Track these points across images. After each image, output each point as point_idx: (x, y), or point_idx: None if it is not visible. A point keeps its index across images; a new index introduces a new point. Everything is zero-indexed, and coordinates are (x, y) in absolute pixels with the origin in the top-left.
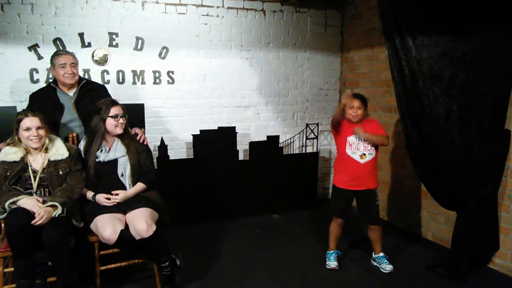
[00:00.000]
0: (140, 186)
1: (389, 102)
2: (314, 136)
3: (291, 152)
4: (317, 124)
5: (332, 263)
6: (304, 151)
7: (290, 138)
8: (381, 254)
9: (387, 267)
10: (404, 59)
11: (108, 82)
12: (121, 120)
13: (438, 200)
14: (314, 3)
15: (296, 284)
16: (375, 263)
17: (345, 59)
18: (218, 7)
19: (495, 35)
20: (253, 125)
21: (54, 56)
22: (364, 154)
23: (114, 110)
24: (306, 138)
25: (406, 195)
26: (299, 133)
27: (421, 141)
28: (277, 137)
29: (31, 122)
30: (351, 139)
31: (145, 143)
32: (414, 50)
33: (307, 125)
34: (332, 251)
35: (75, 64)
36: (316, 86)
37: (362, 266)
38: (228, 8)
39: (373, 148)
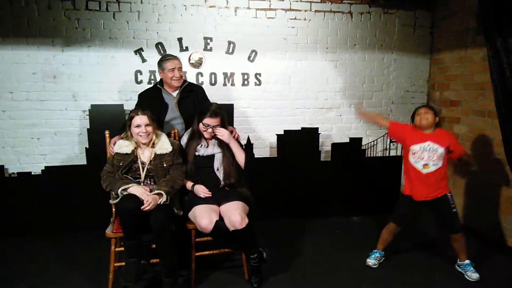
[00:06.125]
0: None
1: (483, 106)
2: None
3: (374, 155)
4: None
5: (370, 261)
6: (387, 154)
7: (373, 141)
8: (467, 261)
9: (473, 275)
10: (505, 61)
11: (202, 83)
12: (209, 130)
13: None
14: (402, 4)
15: (378, 286)
16: (459, 269)
17: (434, 61)
18: (305, 10)
19: None
20: (335, 127)
21: (163, 61)
22: (427, 164)
23: (207, 120)
24: (390, 141)
25: (497, 203)
26: (383, 136)
27: None
28: (359, 139)
29: (140, 120)
30: (415, 147)
31: (239, 139)
32: None
33: None
34: (376, 251)
35: (181, 68)
36: (402, 88)
37: (446, 271)
38: (316, 11)
39: (439, 159)
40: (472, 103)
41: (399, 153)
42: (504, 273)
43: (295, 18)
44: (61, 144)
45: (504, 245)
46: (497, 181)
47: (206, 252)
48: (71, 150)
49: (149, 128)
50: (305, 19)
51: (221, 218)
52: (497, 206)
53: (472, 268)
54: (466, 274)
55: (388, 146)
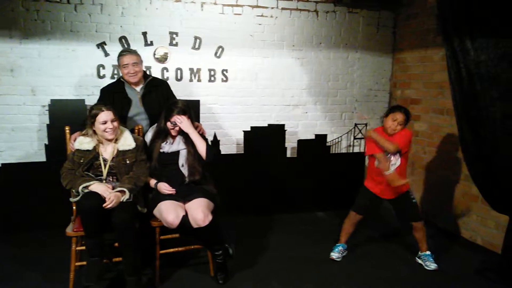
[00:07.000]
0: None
1: (442, 104)
2: (362, 136)
3: (338, 152)
4: (366, 125)
5: (333, 254)
6: (351, 151)
7: (338, 138)
8: (427, 252)
9: (431, 265)
10: (462, 61)
11: (167, 79)
12: (177, 128)
13: (492, 203)
14: (367, 4)
15: (342, 279)
16: (419, 261)
17: (396, 60)
18: (272, 8)
19: None
20: (301, 124)
21: (119, 56)
22: (392, 164)
23: (174, 118)
24: (354, 138)
25: (455, 198)
26: (347, 133)
27: (477, 144)
28: (324, 136)
29: (106, 116)
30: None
31: (204, 134)
32: (472, 52)
33: (355, 125)
34: (339, 244)
35: (137, 63)
36: (366, 86)
37: (408, 263)
38: (282, 8)
39: (396, 157)
40: (431, 102)
41: (362, 150)
42: (460, 263)
43: (261, 15)
44: (18, 140)
45: (460, 236)
46: (454, 177)
47: (171, 250)
48: (29, 147)
49: (115, 124)
50: (271, 16)
51: (187, 215)
52: (454, 200)
53: (431, 259)
54: (425, 264)
55: (352, 143)
